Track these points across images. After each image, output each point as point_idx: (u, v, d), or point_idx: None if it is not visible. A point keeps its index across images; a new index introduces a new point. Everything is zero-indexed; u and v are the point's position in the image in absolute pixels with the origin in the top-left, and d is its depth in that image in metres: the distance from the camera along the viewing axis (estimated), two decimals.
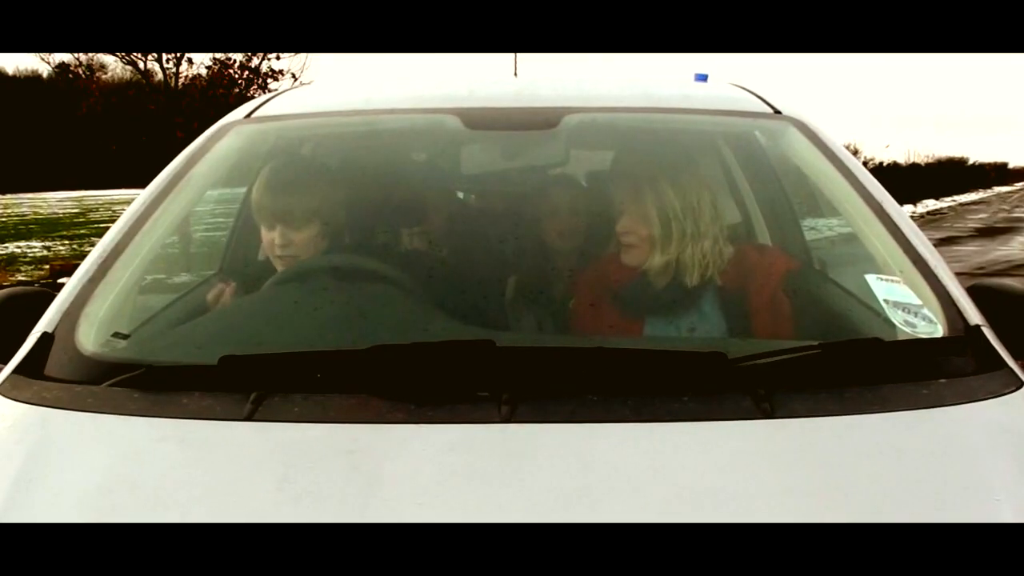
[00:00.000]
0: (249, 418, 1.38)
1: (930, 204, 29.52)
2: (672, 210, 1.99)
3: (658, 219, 1.99)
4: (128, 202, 2.20)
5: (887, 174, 26.39)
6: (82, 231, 19.30)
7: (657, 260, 2.00)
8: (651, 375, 1.47)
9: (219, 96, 18.67)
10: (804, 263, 2.53)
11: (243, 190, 2.99)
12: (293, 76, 20.14)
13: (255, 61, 19.97)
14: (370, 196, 2.23)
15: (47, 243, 16.85)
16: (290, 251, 2.06)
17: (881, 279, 1.78)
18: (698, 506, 1.20)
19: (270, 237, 2.09)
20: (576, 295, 2.08)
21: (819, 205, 2.49)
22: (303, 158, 2.56)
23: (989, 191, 46.65)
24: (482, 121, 2.19)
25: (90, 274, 1.77)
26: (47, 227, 20.59)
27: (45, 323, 1.66)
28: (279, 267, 2.07)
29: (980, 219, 23.93)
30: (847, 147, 2.18)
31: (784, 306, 1.95)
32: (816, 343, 1.58)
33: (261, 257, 2.89)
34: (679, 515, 1.18)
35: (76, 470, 1.31)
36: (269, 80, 19.96)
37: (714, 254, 2.00)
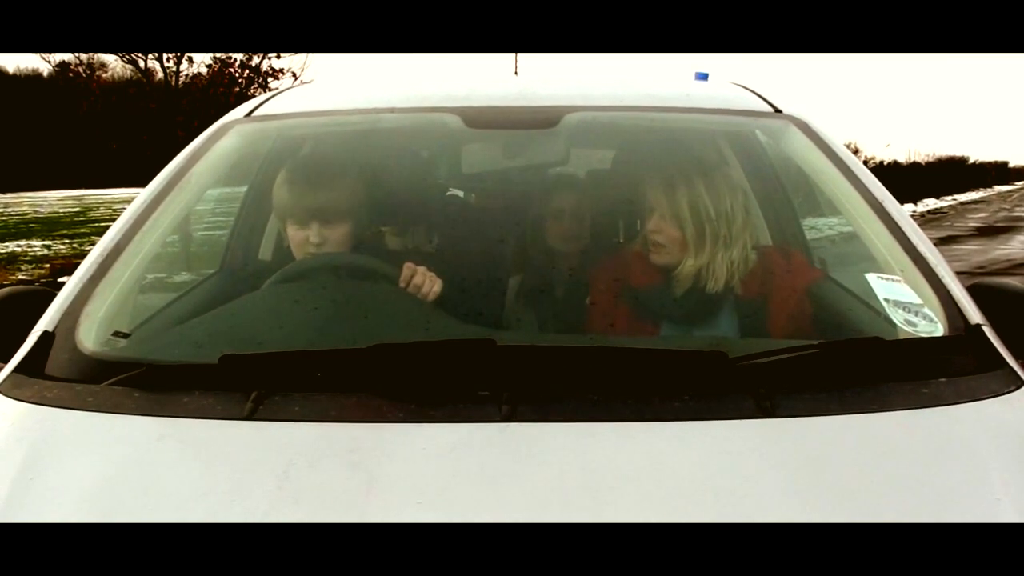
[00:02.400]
0: (249, 417, 1.38)
1: (930, 203, 29.47)
2: (707, 213, 1.97)
3: (692, 221, 1.97)
4: (128, 201, 2.20)
5: (887, 173, 26.38)
6: (82, 230, 19.31)
7: (689, 264, 1.98)
8: (652, 374, 1.47)
9: (219, 95, 18.67)
10: (823, 272, 2.53)
11: (243, 189, 3.00)
12: (294, 75, 20.15)
13: (255, 60, 19.96)
14: (372, 195, 2.23)
15: (47, 242, 16.84)
16: (326, 249, 2.04)
17: (882, 278, 1.78)
18: (699, 505, 1.20)
19: (302, 235, 2.05)
20: (592, 293, 2.06)
21: (819, 204, 2.49)
22: (324, 153, 2.53)
23: (989, 190, 46.60)
24: (483, 120, 2.19)
25: (90, 273, 1.77)
26: (47, 226, 20.59)
27: (46, 322, 1.66)
28: None
29: (980, 218, 23.91)
30: (847, 146, 2.18)
31: (804, 318, 1.94)
32: (816, 342, 1.58)
33: (262, 256, 2.90)
34: (680, 514, 1.18)
35: (76, 469, 1.31)
36: (269, 79, 19.96)
37: (740, 261, 1.98)
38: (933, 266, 1.75)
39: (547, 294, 2.20)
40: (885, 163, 36.68)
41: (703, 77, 2.79)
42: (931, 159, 48.43)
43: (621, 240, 2.51)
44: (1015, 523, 1.17)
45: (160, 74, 22.71)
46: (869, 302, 1.86)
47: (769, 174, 2.87)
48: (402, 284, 1.91)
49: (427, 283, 1.90)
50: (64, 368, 1.56)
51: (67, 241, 16.94)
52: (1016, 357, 1.59)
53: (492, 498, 1.21)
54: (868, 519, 1.17)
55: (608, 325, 1.97)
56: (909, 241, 1.81)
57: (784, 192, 2.90)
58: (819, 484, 1.26)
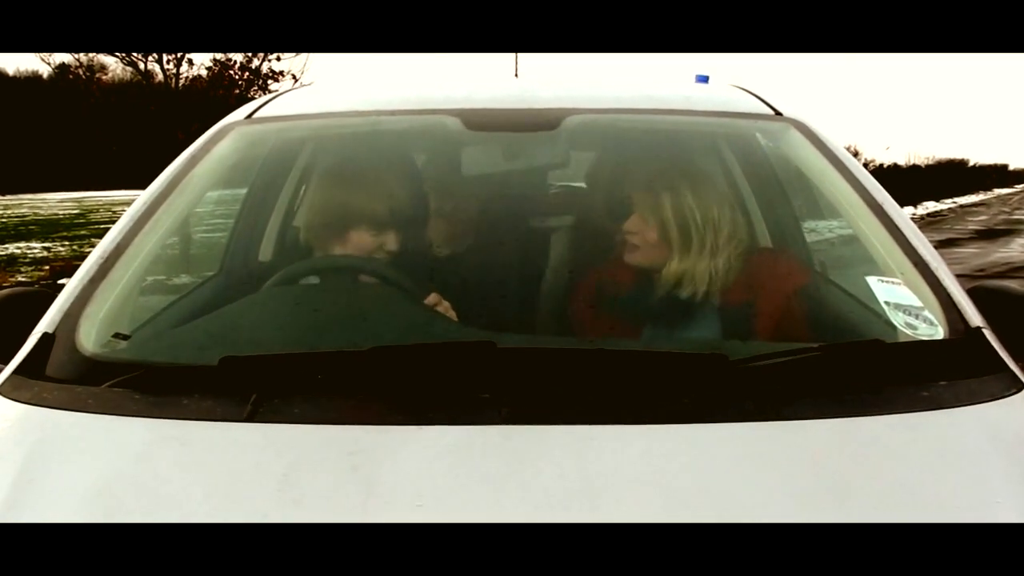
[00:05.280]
0: (249, 419, 1.38)
1: (930, 206, 29.46)
2: (693, 219, 1.96)
3: (676, 225, 1.96)
4: (128, 203, 2.20)
5: (887, 176, 26.38)
6: (82, 232, 19.28)
7: (674, 266, 1.97)
8: (653, 377, 1.47)
9: (219, 97, 18.70)
10: (815, 271, 2.52)
11: (243, 191, 2.99)
12: (293, 77, 20.21)
13: (255, 62, 20.02)
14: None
15: (47, 244, 16.83)
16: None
17: (882, 281, 1.78)
18: (699, 508, 1.20)
19: (375, 241, 2.04)
20: (573, 296, 2.06)
21: (820, 207, 2.49)
22: (377, 155, 2.51)
23: (989, 193, 46.54)
24: (483, 122, 2.19)
25: (90, 275, 1.77)
26: (47, 228, 20.57)
27: (45, 324, 1.66)
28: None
29: (980, 221, 23.89)
30: (847, 149, 2.18)
31: (791, 319, 1.93)
32: (817, 345, 1.58)
33: (261, 258, 2.90)
34: (680, 517, 1.18)
35: (76, 471, 1.31)
36: (269, 81, 20.01)
37: (722, 271, 1.97)
38: (933, 269, 1.75)
39: (547, 296, 2.20)
40: (885, 166, 36.78)
41: (703, 80, 2.79)
42: (931, 162, 48.59)
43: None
44: (1015, 523, 1.17)
45: (160, 76, 22.75)
46: (869, 305, 1.85)
47: (769, 176, 2.87)
48: None
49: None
50: (64, 370, 1.56)
51: (67, 243, 16.93)
52: (1016, 360, 1.59)
53: (492, 500, 1.21)
54: (868, 522, 1.17)
55: (592, 328, 1.97)
56: (909, 244, 1.81)
57: (784, 195, 2.90)
58: (819, 487, 1.25)
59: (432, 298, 1.89)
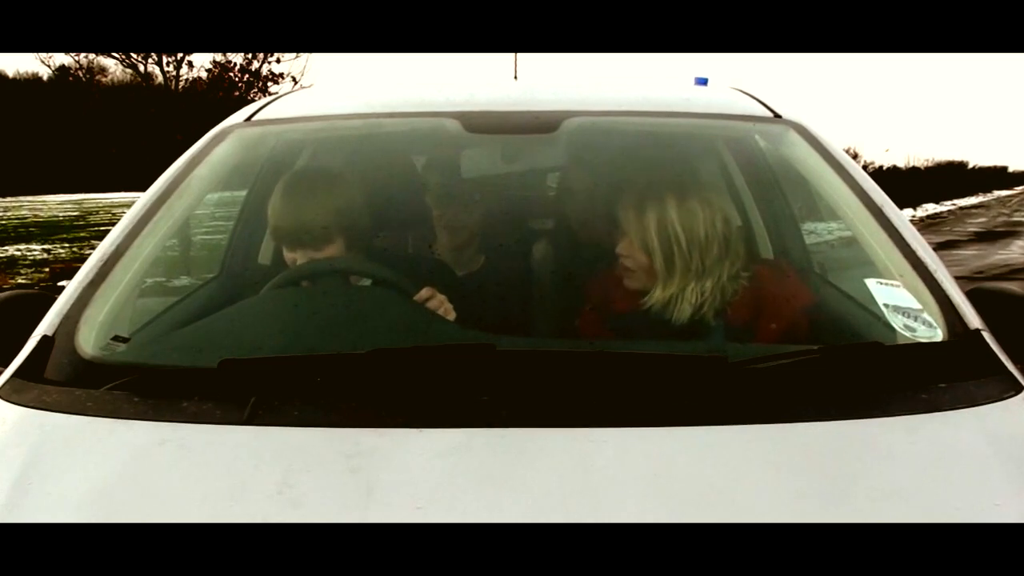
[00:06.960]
0: (249, 422, 1.38)
1: (930, 208, 29.47)
2: (678, 241, 1.92)
3: (661, 250, 1.93)
4: (128, 205, 2.20)
5: (887, 178, 26.38)
6: (82, 234, 19.26)
7: (658, 294, 1.94)
8: (652, 379, 1.47)
9: (219, 99, 18.71)
10: (814, 274, 2.50)
11: (243, 193, 3.00)
12: (293, 79, 20.22)
13: (255, 64, 20.04)
14: (371, 200, 2.23)
15: (47, 246, 16.81)
16: None
17: (881, 283, 1.78)
18: (699, 510, 1.20)
19: (292, 258, 2.04)
20: (582, 319, 2.04)
21: (819, 209, 2.49)
22: (314, 170, 2.51)
23: (989, 195, 46.52)
24: (482, 125, 2.19)
25: (90, 277, 1.77)
26: (47, 230, 20.55)
27: (45, 326, 1.66)
28: None
29: (980, 223, 23.89)
30: (847, 151, 2.18)
31: (792, 334, 1.91)
32: (816, 347, 1.58)
33: (261, 260, 2.90)
34: (680, 518, 1.18)
35: (75, 474, 1.31)
36: (269, 83, 20.02)
37: (715, 292, 1.93)
38: (932, 271, 1.75)
39: (547, 299, 2.20)
40: (884, 168, 36.79)
41: (702, 82, 2.79)
42: (930, 164, 48.71)
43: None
44: (1014, 523, 1.17)
45: (160, 78, 22.77)
46: (868, 307, 1.85)
47: (768, 179, 2.87)
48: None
49: (441, 310, 1.88)
50: (63, 372, 1.56)
51: (66, 245, 16.91)
52: (1015, 362, 1.59)
53: (492, 503, 1.21)
54: (867, 522, 1.17)
55: (594, 337, 1.95)
56: (908, 246, 1.81)
57: (783, 197, 2.90)
58: (817, 489, 1.25)
59: (424, 292, 1.89)
